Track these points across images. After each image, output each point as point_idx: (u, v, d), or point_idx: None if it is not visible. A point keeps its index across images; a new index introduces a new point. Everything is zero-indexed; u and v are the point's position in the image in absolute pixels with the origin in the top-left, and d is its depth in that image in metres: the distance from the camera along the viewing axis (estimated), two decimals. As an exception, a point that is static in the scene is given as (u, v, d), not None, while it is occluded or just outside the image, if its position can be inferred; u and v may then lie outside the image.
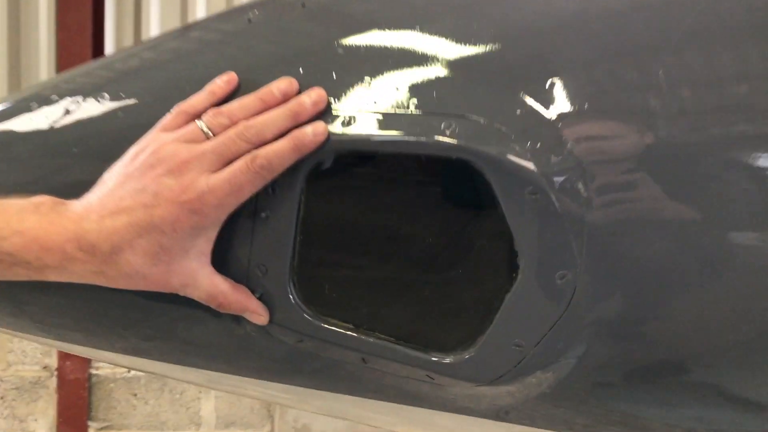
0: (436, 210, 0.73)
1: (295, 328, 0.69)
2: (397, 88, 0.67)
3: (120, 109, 0.73)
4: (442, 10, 0.71)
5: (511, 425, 0.71)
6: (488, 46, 0.67)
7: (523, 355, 0.65)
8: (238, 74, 0.71)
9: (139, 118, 0.71)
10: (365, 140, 0.65)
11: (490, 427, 0.72)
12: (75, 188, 0.68)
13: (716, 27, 0.65)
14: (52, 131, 0.75)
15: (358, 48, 0.70)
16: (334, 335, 0.68)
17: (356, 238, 0.75)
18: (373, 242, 0.75)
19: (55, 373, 3.57)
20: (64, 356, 3.53)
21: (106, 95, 0.74)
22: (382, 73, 0.68)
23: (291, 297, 0.68)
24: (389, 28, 0.71)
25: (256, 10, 0.77)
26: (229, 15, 0.81)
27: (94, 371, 3.58)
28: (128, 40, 3.59)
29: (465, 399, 0.70)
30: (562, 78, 0.64)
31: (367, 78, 0.68)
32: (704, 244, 0.61)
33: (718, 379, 0.65)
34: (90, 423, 3.59)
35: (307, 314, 0.68)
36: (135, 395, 3.62)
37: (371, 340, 0.68)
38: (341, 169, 0.66)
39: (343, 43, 0.71)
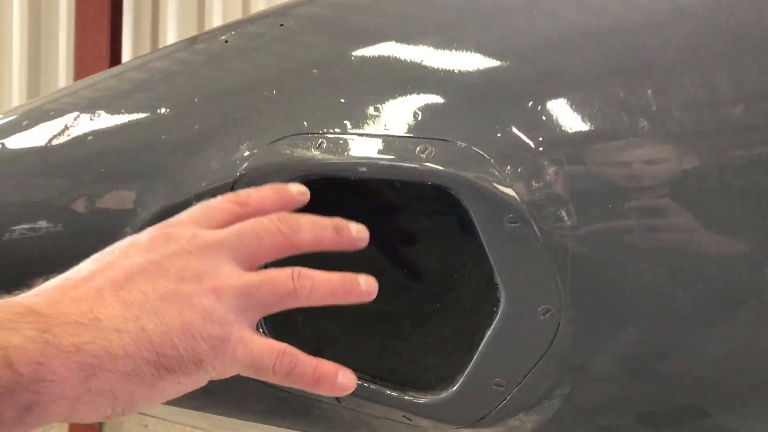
0: (415, 239, 0.69)
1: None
2: (372, 111, 0.63)
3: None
4: (422, 32, 0.68)
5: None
6: (469, 69, 0.63)
7: (504, 396, 0.60)
8: (214, 95, 0.68)
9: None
10: (336, 164, 0.62)
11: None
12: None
13: (700, 50, 0.61)
14: (54, 147, 0.74)
15: (334, 69, 0.67)
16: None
17: (329, 268, 0.72)
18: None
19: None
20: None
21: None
22: (358, 95, 0.65)
23: (261, 330, 0.65)
24: (367, 49, 0.68)
25: (233, 32, 0.75)
26: (206, 36, 0.79)
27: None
28: (146, 49, 3.60)
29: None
30: (545, 102, 0.60)
31: (341, 99, 0.65)
32: (696, 277, 0.57)
33: (715, 422, 0.60)
34: (101, 447, 3.56)
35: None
36: (146, 426, 3.58)
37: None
38: (314, 195, 0.63)
39: (319, 64, 0.68)
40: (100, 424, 3.52)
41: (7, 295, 0.52)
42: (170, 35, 3.56)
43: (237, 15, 3.58)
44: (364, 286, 0.56)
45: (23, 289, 0.52)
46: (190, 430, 3.06)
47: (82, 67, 3.36)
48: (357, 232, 0.57)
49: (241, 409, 0.76)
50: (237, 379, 0.66)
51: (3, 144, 0.78)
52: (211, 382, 0.61)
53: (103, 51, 3.35)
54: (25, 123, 0.78)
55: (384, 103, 0.63)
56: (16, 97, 3.56)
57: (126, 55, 3.57)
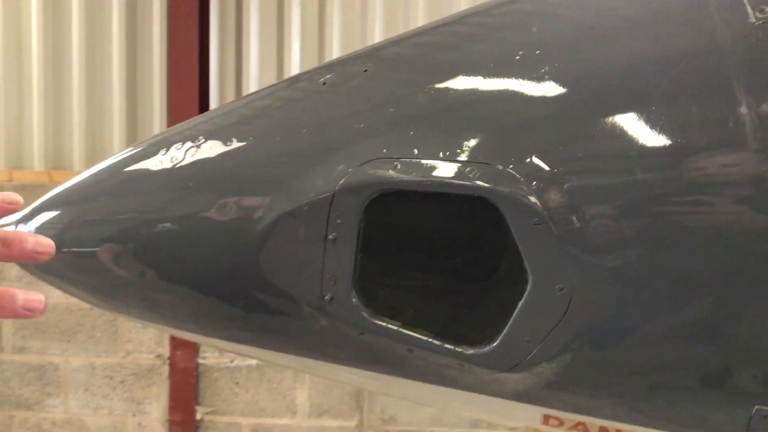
0: (467, 236, 0.92)
1: (357, 323, 0.89)
2: (434, 141, 0.86)
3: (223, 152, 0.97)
4: (467, 81, 0.90)
5: (527, 405, 0.89)
6: (506, 110, 0.86)
7: (531, 350, 0.83)
8: (317, 126, 0.92)
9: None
10: (408, 181, 0.85)
11: (512, 406, 0.90)
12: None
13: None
14: (172, 170, 1.00)
15: (404, 108, 0.90)
16: (386, 330, 0.88)
17: (405, 255, 0.96)
18: (418, 259, 0.95)
19: (167, 361, 3.94)
20: (175, 347, 3.89)
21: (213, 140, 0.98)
22: (423, 129, 0.88)
23: (354, 300, 0.89)
24: (427, 92, 0.90)
25: (329, 75, 0.98)
26: (307, 76, 1.03)
27: (201, 361, 3.93)
28: (230, 96, 3.94)
29: (489, 383, 0.88)
30: (556, 137, 0.82)
31: (411, 132, 0.88)
32: (667, 261, 0.78)
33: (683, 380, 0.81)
34: (197, 408, 3.94)
35: (366, 313, 0.89)
36: (237, 383, 3.94)
37: (415, 335, 0.88)
38: (391, 204, 0.86)
39: (393, 104, 0.91)
40: (197, 381, 3.89)
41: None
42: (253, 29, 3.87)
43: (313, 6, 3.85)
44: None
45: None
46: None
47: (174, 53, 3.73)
48: (33, 246, 0.68)
49: (331, 356, 0.99)
50: (327, 330, 0.91)
51: (150, 164, 1.04)
52: (315, 333, 0.86)
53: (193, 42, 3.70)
54: (171, 145, 1.03)
55: (442, 135, 0.86)
56: (116, 87, 3.92)
57: (213, 43, 3.88)
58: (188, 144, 1.00)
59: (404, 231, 0.96)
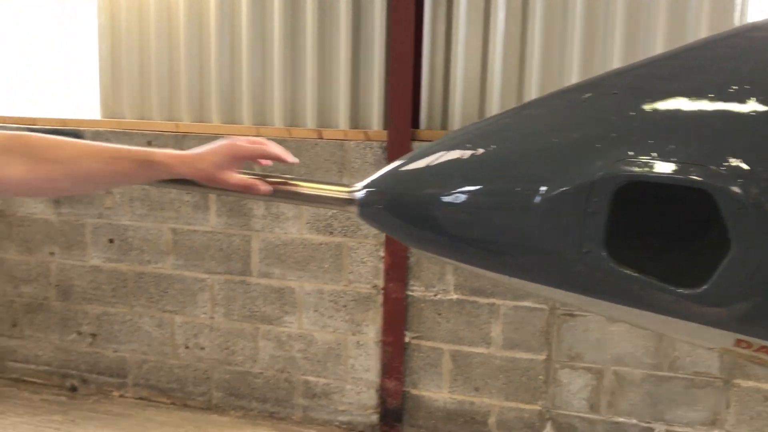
0: (687, 215, 1.32)
1: (604, 270, 1.33)
2: (666, 147, 1.26)
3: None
4: (687, 102, 1.28)
5: (723, 331, 1.29)
6: (717, 124, 1.23)
7: (731, 292, 1.23)
8: (585, 133, 1.36)
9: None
10: (647, 175, 1.26)
11: (711, 331, 1.30)
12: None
13: None
14: (484, 153, 1.48)
15: (644, 123, 1.31)
16: (625, 275, 1.31)
17: (644, 227, 1.38)
18: (654, 230, 1.37)
19: (382, 291, 4.60)
20: (388, 279, 4.53)
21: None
22: (658, 138, 1.28)
23: (603, 253, 1.32)
24: (659, 113, 1.30)
25: (588, 94, 1.40)
26: (570, 93, 1.45)
27: (409, 293, 4.55)
28: (438, 91, 4.40)
29: (698, 314, 1.29)
30: (753, 144, 1.19)
31: (649, 141, 1.28)
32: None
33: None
34: (406, 332, 4.60)
35: (611, 263, 1.32)
36: (439, 314, 4.53)
37: (646, 278, 1.30)
38: (636, 193, 1.29)
39: (636, 119, 1.31)
40: (406, 310, 4.52)
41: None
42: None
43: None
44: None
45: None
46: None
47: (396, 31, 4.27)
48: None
49: (582, 290, 1.44)
50: (583, 273, 1.35)
51: (463, 149, 1.52)
52: (568, 275, 1.32)
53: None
54: (486, 130, 1.51)
55: (671, 143, 1.26)
56: (342, 76, 4.53)
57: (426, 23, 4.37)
58: (488, 137, 1.47)
59: (634, 211, 1.38)
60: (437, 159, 1.52)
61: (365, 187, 1.62)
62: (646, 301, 1.33)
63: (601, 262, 1.33)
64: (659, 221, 1.41)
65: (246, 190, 1.57)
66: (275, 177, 1.65)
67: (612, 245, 1.32)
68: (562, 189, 1.34)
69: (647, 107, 1.33)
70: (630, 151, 1.30)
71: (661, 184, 1.27)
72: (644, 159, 1.28)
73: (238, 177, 1.55)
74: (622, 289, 1.34)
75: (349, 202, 1.63)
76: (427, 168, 1.52)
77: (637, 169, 1.28)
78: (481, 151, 1.47)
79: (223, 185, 1.53)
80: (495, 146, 1.47)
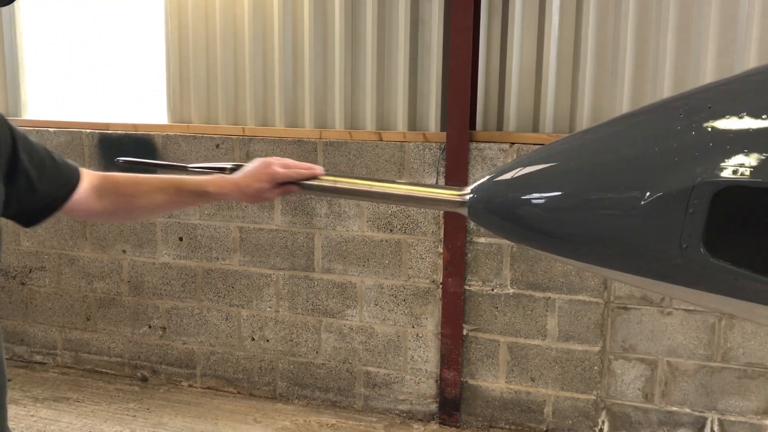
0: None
1: (701, 263, 1.52)
2: (755, 158, 1.45)
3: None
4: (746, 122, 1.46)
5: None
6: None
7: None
8: (674, 143, 1.55)
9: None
10: (742, 181, 1.45)
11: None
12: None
13: None
14: (591, 158, 1.68)
15: (736, 135, 1.49)
16: (720, 267, 1.50)
17: (738, 226, 1.57)
18: (745, 226, 1.56)
19: (440, 286, 4.81)
20: (447, 275, 4.74)
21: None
22: (748, 149, 1.46)
23: (702, 249, 1.51)
24: (750, 131, 1.48)
25: (681, 110, 1.59)
26: (667, 108, 1.64)
27: (467, 287, 4.75)
28: (494, 92, 4.60)
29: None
30: None
31: (745, 150, 1.47)
32: None
33: None
34: (464, 325, 4.80)
35: (708, 256, 1.51)
36: (496, 308, 4.72)
37: (738, 269, 1.49)
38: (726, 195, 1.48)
39: (730, 132, 1.50)
40: (464, 304, 4.72)
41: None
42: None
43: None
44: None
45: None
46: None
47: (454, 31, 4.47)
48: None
49: (681, 281, 1.62)
50: (681, 265, 1.55)
51: (573, 153, 1.73)
52: (667, 267, 1.51)
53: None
54: (588, 143, 1.70)
55: (755, 155, 1.44)
56: (401, 76, 4.74)
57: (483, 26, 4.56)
58: (596, 144, 1.67)
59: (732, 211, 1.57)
60: (541, 168, 1.73)
61: (473, 191, 1.83)
62: (740, 290, 1.52)
63: (698, 256, 1.52)
64: (755, 219, 1.60)
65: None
66: (385, 181, 1.89)
67: (709, 241, 1.51)
68: (666, 192, 1.54)
69: (738, 123, 1.52)
70: (726, 159, 1.48)
71: (755, 188, 1.46)
72: (737, 167, 1.46)
73: (276, 194, 1.98)
74: (718, 280, 1.53)
75: (461, 204, 1.85)
76: (535, 175, 1.73)
77: (731, 176, 1.46)
78: (586, 160, 1.67)
79: (264, 201, 2.05)
80: (600, 155, 1.66)
